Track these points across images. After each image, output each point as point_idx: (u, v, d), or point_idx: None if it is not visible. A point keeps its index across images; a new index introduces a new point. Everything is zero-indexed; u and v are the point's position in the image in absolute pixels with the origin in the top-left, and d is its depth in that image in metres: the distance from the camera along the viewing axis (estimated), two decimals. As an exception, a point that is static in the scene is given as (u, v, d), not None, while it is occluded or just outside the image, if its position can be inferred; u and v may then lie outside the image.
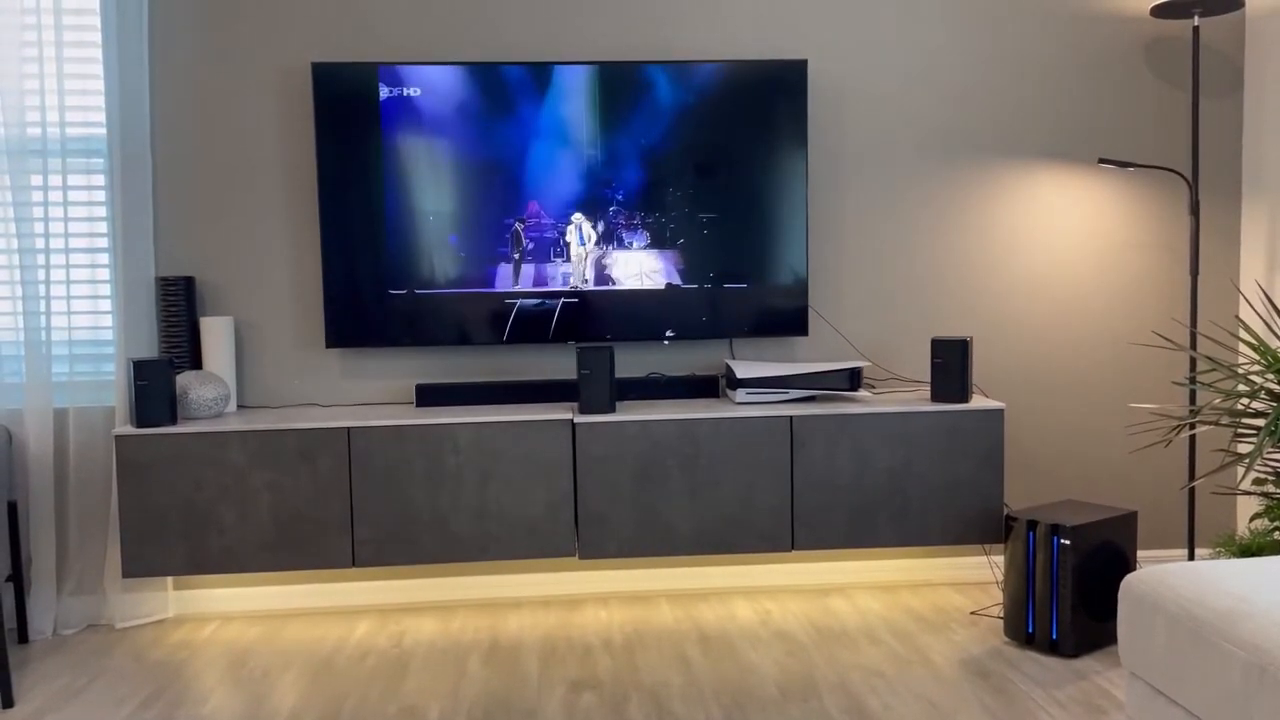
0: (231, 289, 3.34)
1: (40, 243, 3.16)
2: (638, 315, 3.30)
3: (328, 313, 3.23)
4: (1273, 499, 2.88)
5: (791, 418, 3.06)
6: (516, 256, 3.24)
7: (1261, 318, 3.06)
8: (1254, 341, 2.88)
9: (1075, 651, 2.85)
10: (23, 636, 3.15)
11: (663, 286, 3.29)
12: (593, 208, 3.25)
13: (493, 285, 3.25)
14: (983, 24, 3.46)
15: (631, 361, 3.45)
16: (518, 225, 3.23)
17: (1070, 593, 2.82)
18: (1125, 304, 3.55)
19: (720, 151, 3.28)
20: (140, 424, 2.96)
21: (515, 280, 3.25)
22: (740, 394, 3.18)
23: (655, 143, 3.25)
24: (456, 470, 3.01)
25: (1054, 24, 3.47)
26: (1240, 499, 3.59)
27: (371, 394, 3.40)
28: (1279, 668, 1.67)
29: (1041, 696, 2.60)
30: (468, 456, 3.01)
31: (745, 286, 3.32)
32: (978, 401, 3.18)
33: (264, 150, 3.32)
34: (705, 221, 3.29)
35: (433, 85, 3.19)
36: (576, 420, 3.02)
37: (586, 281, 3.27)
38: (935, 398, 3.17)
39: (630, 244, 3.28)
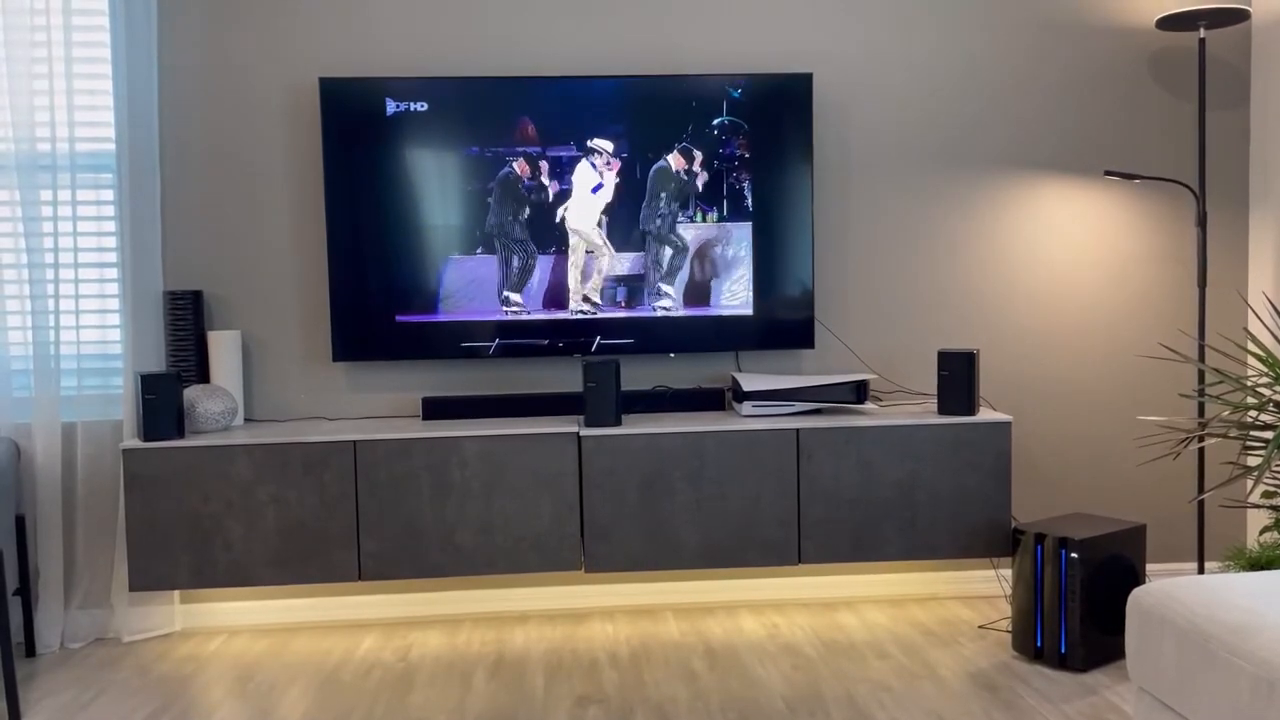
0: (239, 303, 3.36)
1: (49, 257, 3.18)
2: (649, 330, 3.31)
3: (334, 326, 3.24)
4: (1282, 512, 2.87)
5: (798, 430, 3.06)
6: (516, 282, 3.25)
7: (1270, 330, 3.05)
8: (1262, 354, 2.87)
9: (1084, 666, 2.83)
10: (30, 650, 3.15)
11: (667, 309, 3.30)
12: (602, 224, 3.26)
13: (500, 303, 3.26)
14: (988, 36, 3.46)
15: (637, 374, 3.45)
16: (524, 254, 3.24)
17: (1079, 606, 2.81)
18: (1133, 316, 3.54)
19: (726, 164, 3.28)
20: (148, 438, 2.97)
21: (524, 289, 3.26)
22: (746, 407, 3.18)
23: (664, 155, 3.26)
24: (462, 483, 3.01)
25: (1059, 36, 3.47)
26: (1250, 512, 3.57)
27: (378, 407, 3.40)
28: (1288, 683, 1.66)
29: (1050, 711, 2.58)
30: (474, 470, 3.01)
31: (750, 298, 3.33)
32: (985, 414, 3.17)
33: (271, 165, 3.34)
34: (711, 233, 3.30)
35: (440, 99, 3.20)
36: (582, 433, 3.02)
37: (589, 303, 3.28)
38: (942, 410, 3.16)
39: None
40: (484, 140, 3.22)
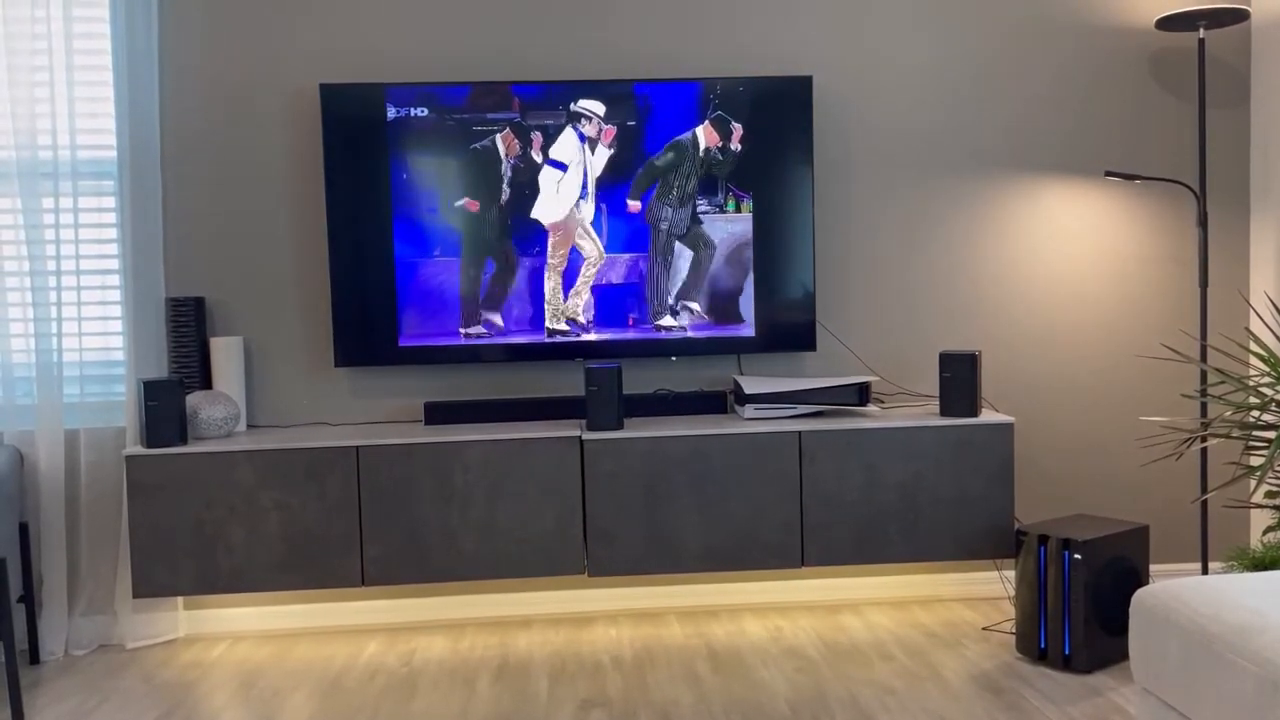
0: (241, 309, 3.36)
1: (51, 264, 3.18)
2: (652, 342, 3.31)
3: (336, 332, 3.24)
4: (1285, 512, 2.86)
5: (800, 433, 3.06)
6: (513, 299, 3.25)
7: (1271, 329, 3.05)
8: (1264, 354, 2.87)
9: (1088, 667, 2.83)
10: (34, 657, 3.16)
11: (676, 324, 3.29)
12: (601, 228, 3.26)
13: (502, 313, 3.26)
14: (988, 37, 3.46)
15: (638, 377, 3.45)
16: (503, 258, 3.24)
17: (1082, 608, 2.80)
18: (1134, 317, 3.54)
19: (727, 166, 3.28)
20: (150, 444, 2.97)
21: (502, 304, 3.26)
22: (748, 409, 3.18)
23: (667, 158, 3.26)
24: (465, 488, 3.01)
25: (1059, 37, 3.48)
26: (1253, 512, 3.56)
27: (380, 412, 3.40)
28: (1293, 683, 1.66)
29: (1054, 713, 2.58)
30: (476, 474, 3.01)
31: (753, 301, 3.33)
32: (987, 415, 3.17)
33: (273, 171, 3.34)
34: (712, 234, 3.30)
35: (440, 104, 3.21)
36: (585, 437, 3.02)
37: (590, 322, 3.28)
38: (944, 412, 3.16)
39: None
40: (484, 144, 3.22)
